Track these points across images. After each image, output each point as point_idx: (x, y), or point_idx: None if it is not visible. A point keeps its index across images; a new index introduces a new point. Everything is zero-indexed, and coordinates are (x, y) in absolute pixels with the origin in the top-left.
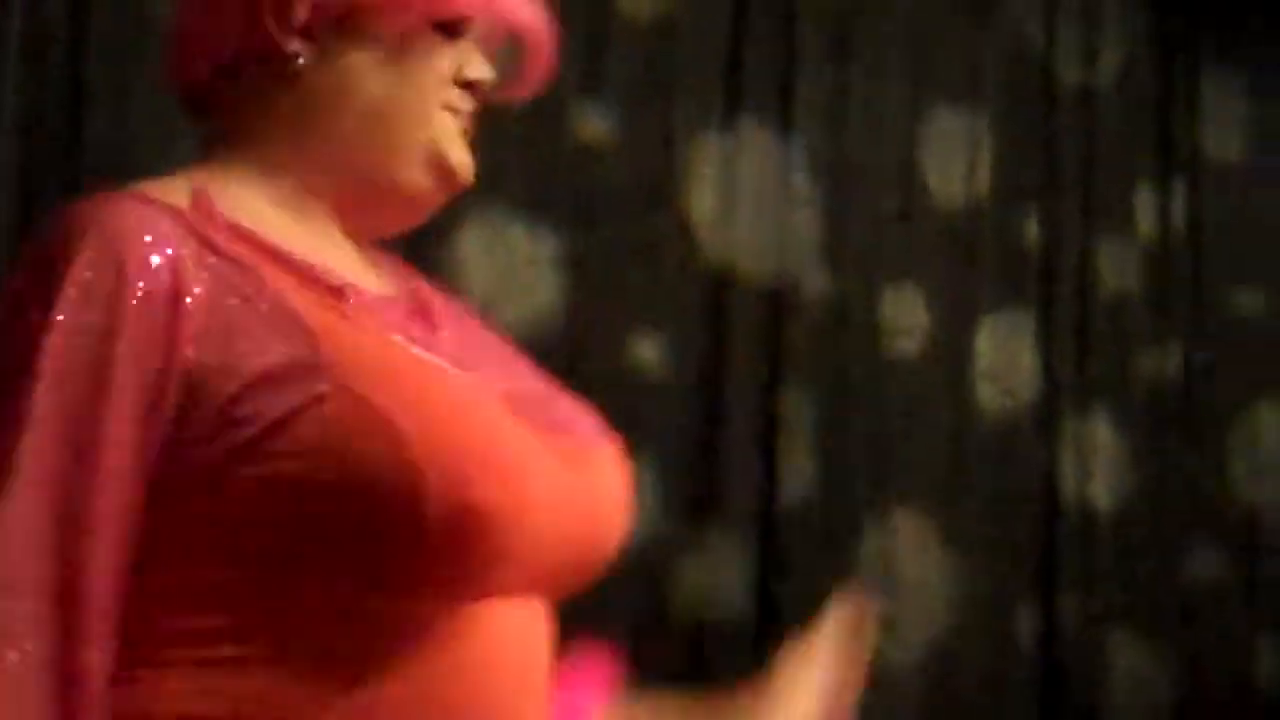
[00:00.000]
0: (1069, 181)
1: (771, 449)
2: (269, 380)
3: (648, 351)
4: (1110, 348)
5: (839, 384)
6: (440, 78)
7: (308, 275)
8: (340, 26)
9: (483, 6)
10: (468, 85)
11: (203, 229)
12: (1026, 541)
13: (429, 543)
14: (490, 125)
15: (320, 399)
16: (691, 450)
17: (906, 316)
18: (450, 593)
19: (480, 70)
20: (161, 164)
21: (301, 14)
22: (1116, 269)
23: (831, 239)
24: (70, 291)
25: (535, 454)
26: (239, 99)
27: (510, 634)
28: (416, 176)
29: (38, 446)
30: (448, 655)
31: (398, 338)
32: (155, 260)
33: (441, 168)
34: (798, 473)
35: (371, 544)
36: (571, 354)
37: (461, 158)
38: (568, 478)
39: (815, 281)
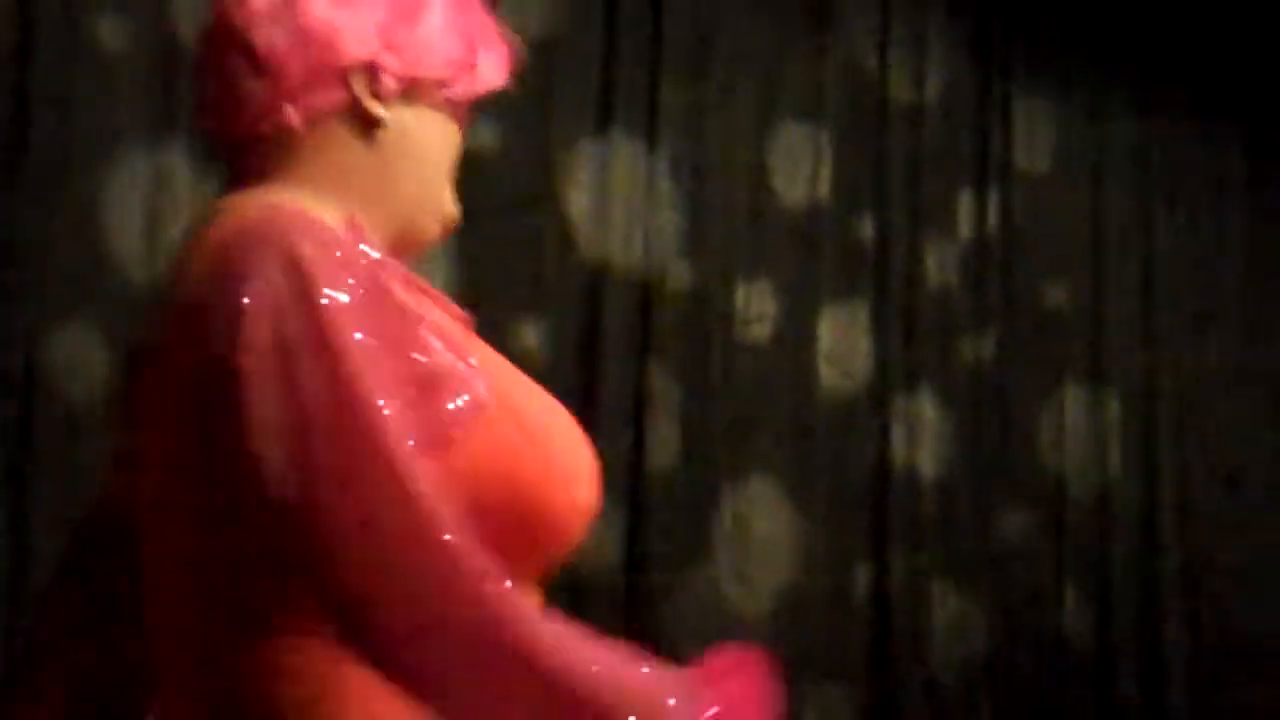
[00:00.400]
0: (899, 188)
1: (640, 422)
2: (435, 380)
3: (530, 336)
4: (934, 334)
5: (700, 365)
6: (455, 148)
7: (439, 301)
8: (404, 96)
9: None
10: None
11: (363, 252)
12: (861, 506)
13: (556, 533)
14: None
15: (481, 406)
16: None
17: (757, 305)
18: (547, 571)
19: (460, 141)
20: (104, 167)
21: (390, 85)
22: (940, 265)
23: (692, 236)
24: (334, 304)
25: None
26: (318, 146)
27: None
28: (434, 228)
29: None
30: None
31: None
32: (366, 276)
33: (447, 223)
34: (663, 443)
35: (518, 532)
36: None
37: (453, 214)
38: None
39: (678, 274)
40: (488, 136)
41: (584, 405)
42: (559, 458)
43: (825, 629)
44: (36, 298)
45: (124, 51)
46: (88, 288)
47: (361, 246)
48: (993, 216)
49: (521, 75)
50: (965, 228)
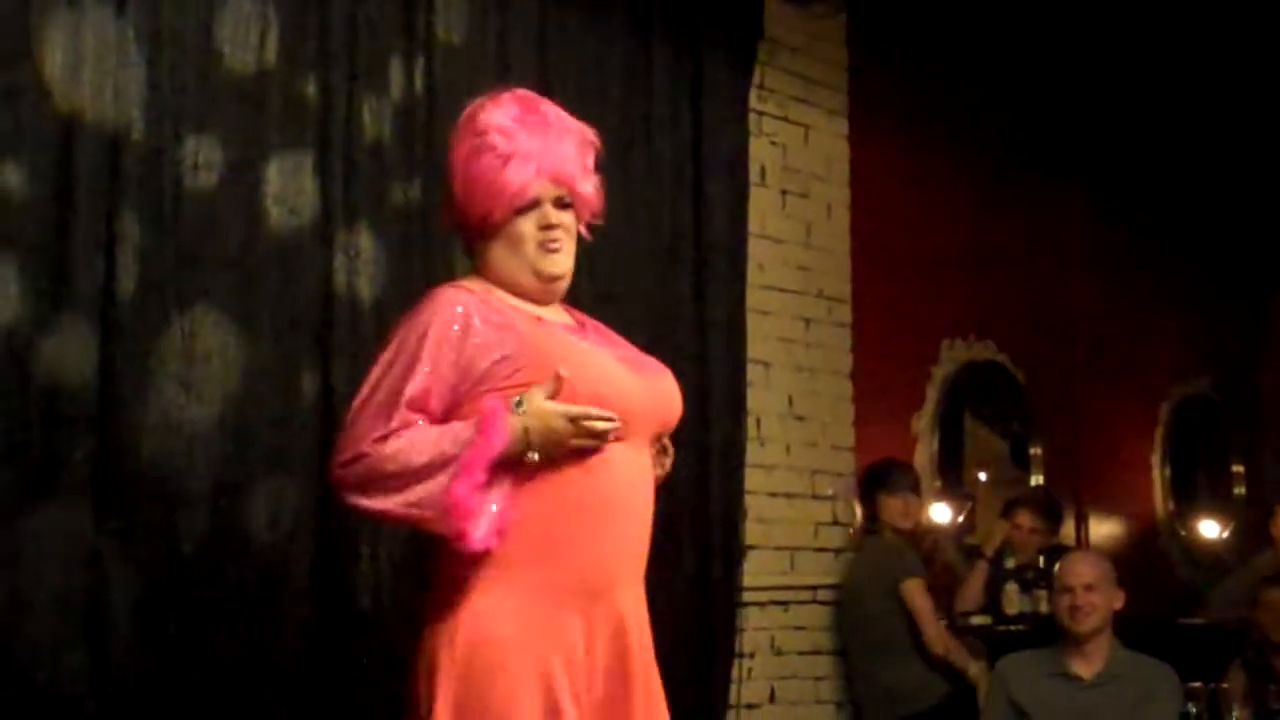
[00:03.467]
0: (339, 54)
1: (112, 254)
2: (502, 360)
3: (12, 178)
4: (371, 180)
5: (158, 205)
6: (531, 235)
7: (527, 315)
8: (481, 225)
9: (524, 196)
10: (548, 226)
11: (485, 300)
12: (308, 325)
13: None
14: None
15: (521, 366)
16: (49, 255)
17: (207, 154)
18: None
19: (550, 218)
20: None
21: (470, 224)
22: (375, 121)
23: (153, 94)
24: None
25: (625, 375)
26: (473, 249)
27: (630, 456)
28: (532, 282)
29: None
30: (591, 471)
31: (562, 334)
32: (460, 309)
33: (540, 276)
34: (130, 272)
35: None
36: None
37: (549, 269)
38: (643, 383)
39: (140, 127)
40: None
41: (61, 240)
42: (581, 378)
43: (276, 428)
44: None
45: None
46: None
47: (486, 297)
48: (419, 80)
49: None
50: (395, 90)
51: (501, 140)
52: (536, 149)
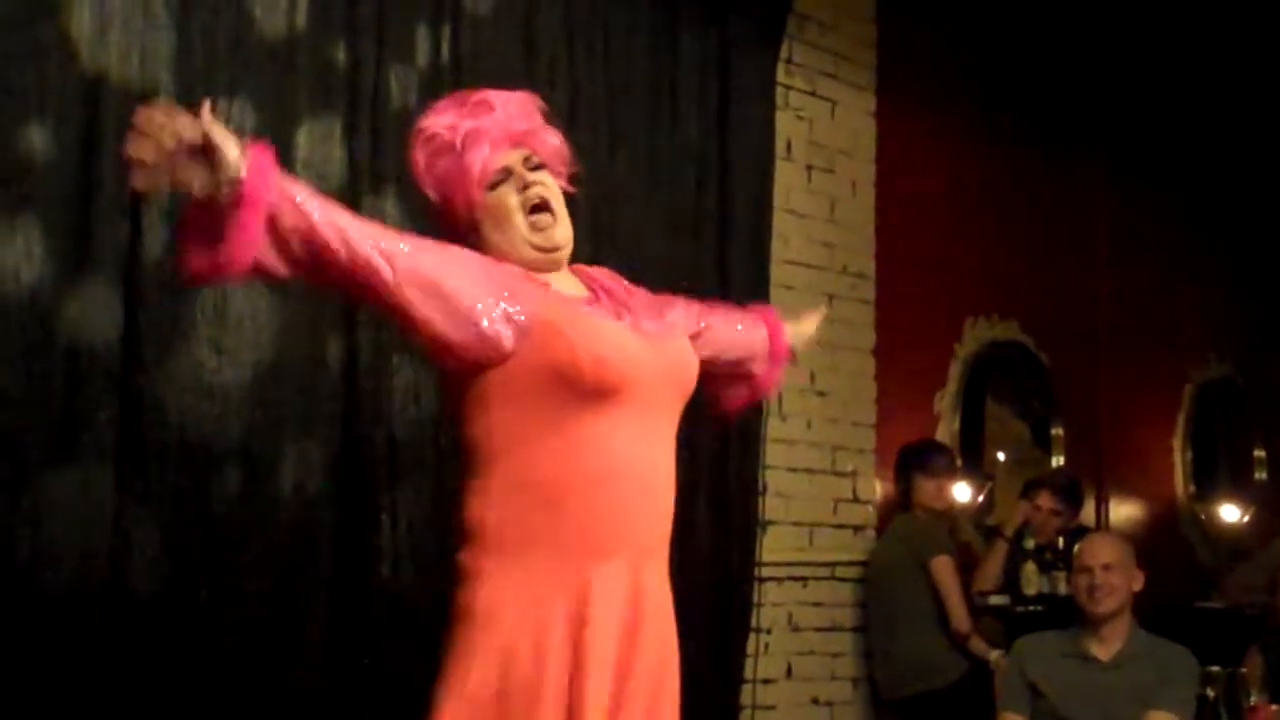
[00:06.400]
0: (367, 21)
1: (136, 215)
2: (516, 311)
3: (36, 137)
4: (397, 146)
5: None
6: (514, 203)
7: (536, 284)
8: (469, 215)
9: (490, 169)
10: (527, 185)
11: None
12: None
13: (585, 382)
14: None
15: (529, 321)
16: (73, 215)
17: (239, 118)
18: (597, 408)
19: (526, 177)
20: None
21: (461, 220)
22: (402, 88)
23: (183, 56)
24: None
25: (632, 341)
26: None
27: (642, 427)
28: (531, 255)
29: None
30: (601, 437)
31: (570, 302)
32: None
33: (537, 249)
34: (155, 235)
35: (560, 384)
36: None
37: (544, 240)
38: (654, 350)
39: (168, 87)
40: None
41: (84, 202)
42: (585, 344)
43: (302, 394)
44: None
45: None
46: None
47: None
48: (445, 49)
49: None
50: (422, 58)
51: (448, 133)
52: (483, 125)
